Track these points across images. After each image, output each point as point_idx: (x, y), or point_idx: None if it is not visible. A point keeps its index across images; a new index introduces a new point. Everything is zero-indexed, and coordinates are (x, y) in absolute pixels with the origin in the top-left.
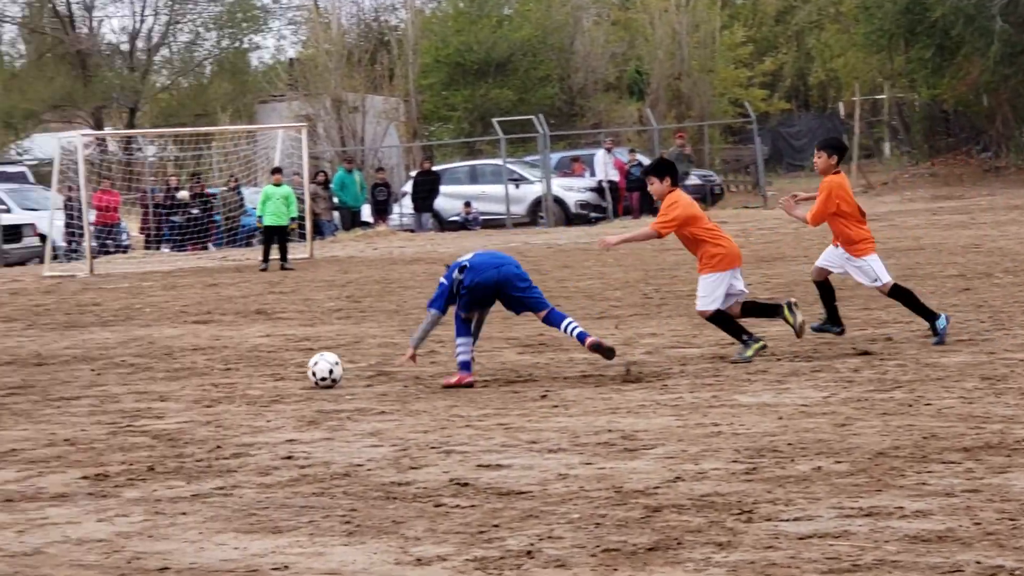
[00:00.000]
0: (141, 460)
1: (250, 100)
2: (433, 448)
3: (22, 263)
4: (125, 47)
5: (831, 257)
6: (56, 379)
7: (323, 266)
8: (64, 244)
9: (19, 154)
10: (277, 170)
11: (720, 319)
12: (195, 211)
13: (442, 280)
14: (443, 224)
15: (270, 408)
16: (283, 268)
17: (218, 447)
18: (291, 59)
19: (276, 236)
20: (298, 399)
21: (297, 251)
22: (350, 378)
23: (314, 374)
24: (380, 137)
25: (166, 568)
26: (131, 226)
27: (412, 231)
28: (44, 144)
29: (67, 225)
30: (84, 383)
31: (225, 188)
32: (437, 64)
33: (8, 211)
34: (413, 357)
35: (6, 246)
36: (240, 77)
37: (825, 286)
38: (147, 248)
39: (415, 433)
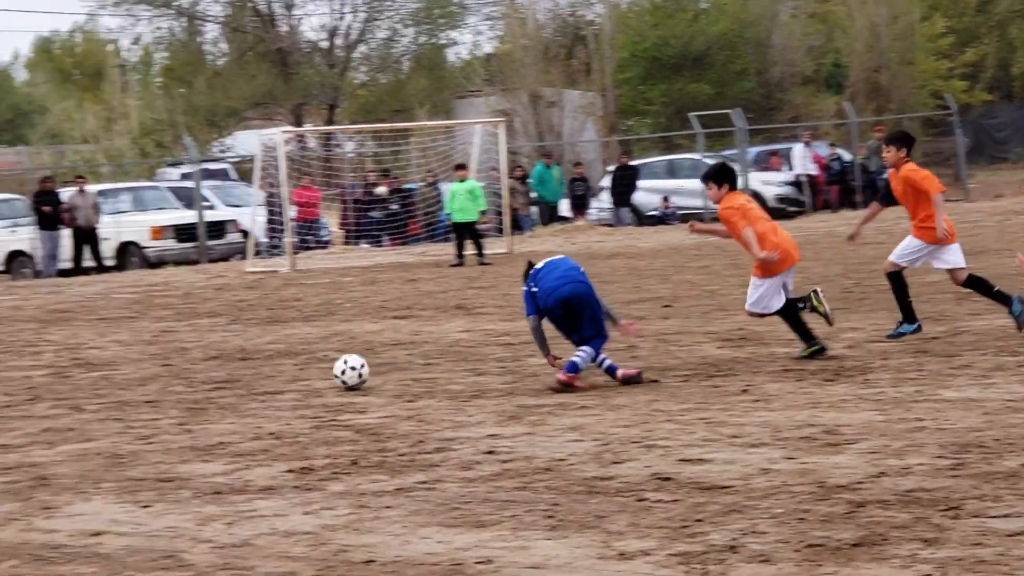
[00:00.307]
0: (345, 454)
1: (447, 96)
2: (635, 443)
3: (225, 259)
4: (324, 44)
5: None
6: (260, 374)
7: (521, 261)
8: (266, 240)
9: (222, 151)
10: (461, 166)
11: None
12: (394, 206)
13: (523, 288)
14: (641, 219)
15: (471, 403)
16: (480, 263)
17: (420, 441)
18: (488, 54)
19: (467, 232)
20: (499, 394)
21: (495, 246)
22: (549, 372)
23: (344, 383)
24: (577, 132)
25: (371, 561)
26: (331, 222)
27: (610, 226)
28: (246, 141)
29: (269, 221)
30: (288, 378)
31: (423, 184)
32: (634, 58)
33: (212, 208)
34: (552, 361)
35: (210, 242)
36: (437, 73)
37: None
38: (346, 243)
39: (616, 428)
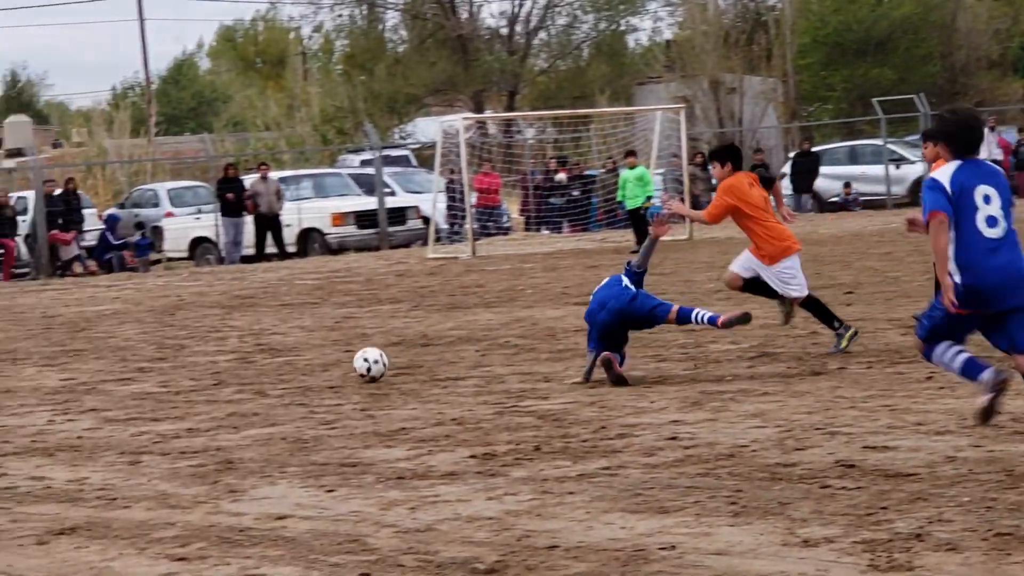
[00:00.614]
0: (527, 440)
1: (627, 82)
2: (818, 429)
3: (406, 245)
4: (504, 31)
5: None
6: (442, 359)
7: (702, 247)
8: (447, 226)
9: (402, 138)
10: (631, 153)
11: (813, 305)
12: (574, 193)
13: None
14: (823, 205)
15: (653, 389)
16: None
17: (602, 427)
18: (668, 40)
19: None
20: (681, 380)
21: (677, 232)
22: (732, 359)
23: (367, 371)
24: (758, 118)
25: (554, 547)
26: (511, 208)
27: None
28: (426, 128)
29: (449, 207)
30: (469, 364)
31: (603, 170)
32: (815, 44)
33: (393, 194)
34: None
35: (391, 228)
36: (617, 59)
37: None
38: (527, 230)
39: (799, 414)
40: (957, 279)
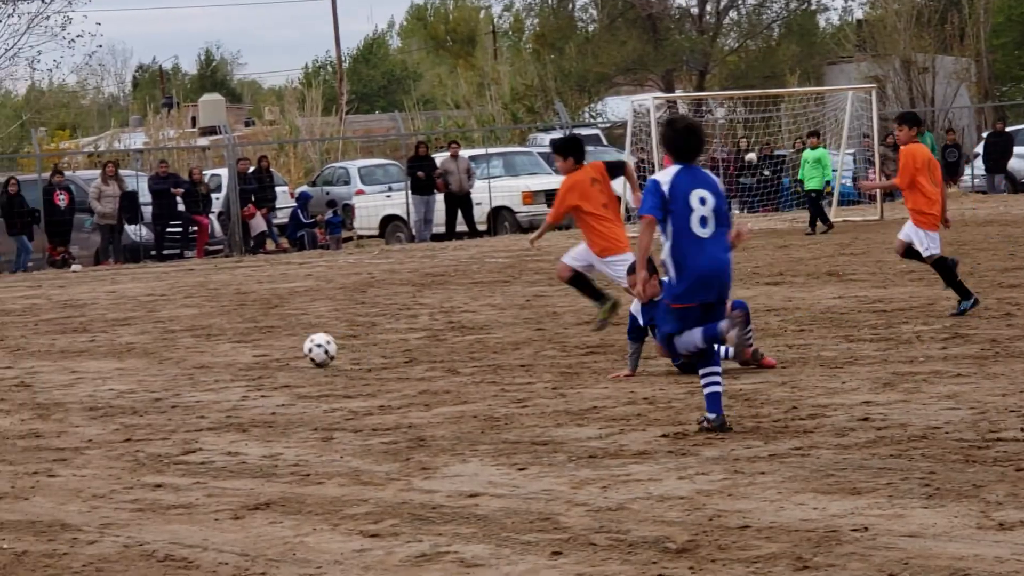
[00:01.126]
0: None
1: (818, 62)
2: (1012, 411)
3: None
4: (694, 10)
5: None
6: None
7: (893, 227)
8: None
9: (592, 117)
10: (813, 133)
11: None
12: (765, 172)
13: None
14: (1016, 186)
15: (844, 369)
16: (808, 233)
17: (794, 408)
18: (859, 20)
19: (819, 199)
20: (872, 361)
21: (867, 212)
22: (924, 340)
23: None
24: (950, 98)
25: (746, 527)
26: None
27: (984, 192)
28: (616, 107)
29: (639, 186)
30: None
31: (793, 151)
32: (1009, 23)
33: None
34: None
35: None
36: (808, 39)
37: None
38: None
39: (993, 396)
40: (673, 274)
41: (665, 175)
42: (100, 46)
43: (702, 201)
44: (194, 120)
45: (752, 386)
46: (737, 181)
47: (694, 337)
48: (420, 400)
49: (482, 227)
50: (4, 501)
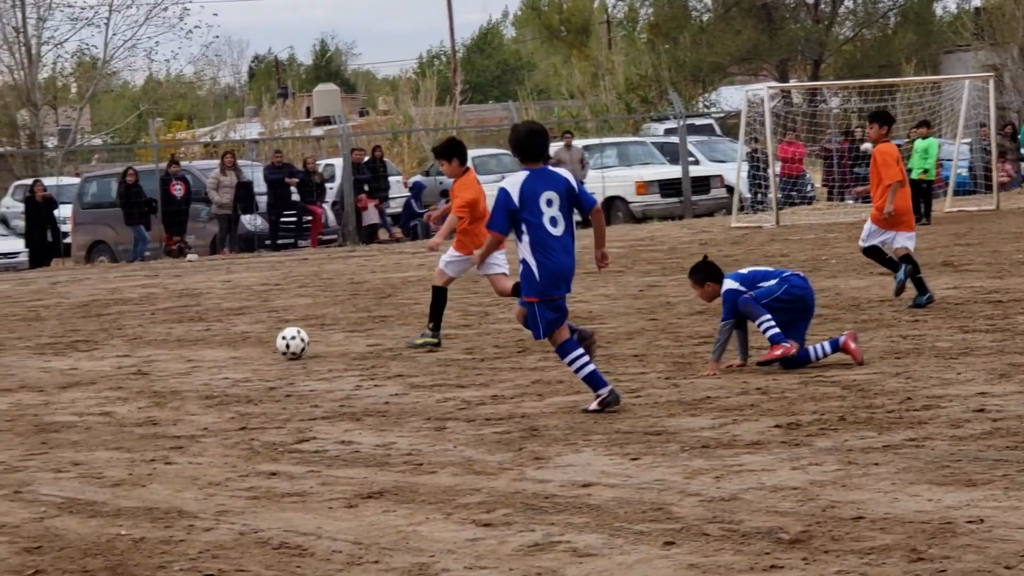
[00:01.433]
0: (832, 410)
1: (935, 50)
2: None
3: (709, 214)
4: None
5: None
6: (749, 328)
7: (1009, 217)
8: (750, 195)
9: (706, 107)
10: (923, 123)
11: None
12: None
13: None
14: None
15: (959, 360)
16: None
17: (908, 398)
18: (977, 8)
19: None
20: (988, 352)
21: (983, 202)
22: None
23: (288, 347)
24: None
25: (860, 518)
26: (814, 177)
27: None
28: (730, 97)
29: (753, 176)
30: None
31: (908, 140)
32: None
33: (696, 163)
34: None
35: (694, 197)
36: (925, 27)
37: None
38: (830, 200)
39: None
40: (535, 272)
41: (514, 184)
42: (217, 37)
43: (549, 203)
44: (309, 110)
45: (866, 377)
46: (852, 171)
47: (576, 362)
48: (533, 390)
49: None
50: (122, 488)
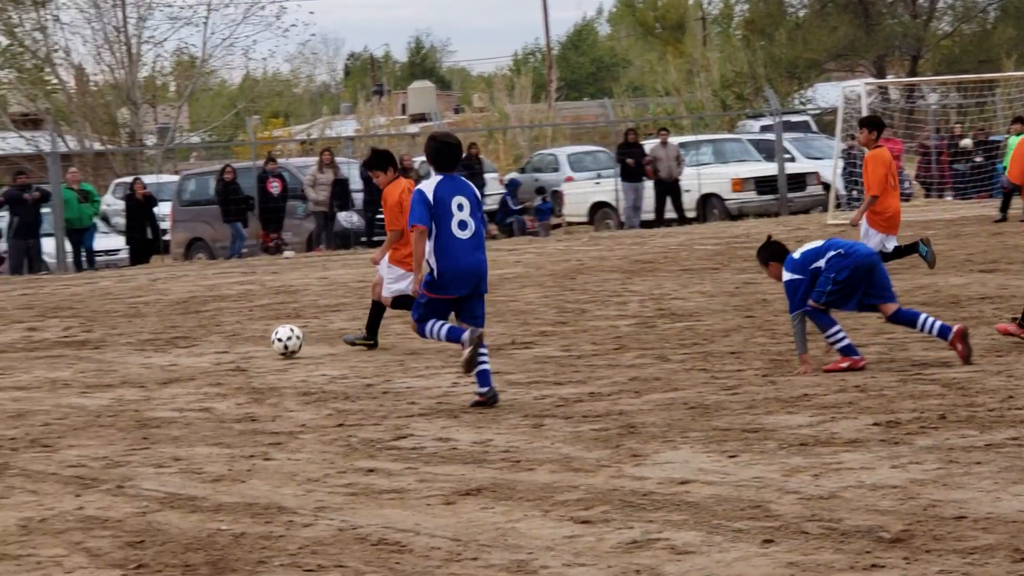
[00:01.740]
0: (932, 408)
1: None
2: None
3: (805, 211)
4: None
5: None
6: (843, 326)
7: None
8: (846, 192)
9: (802, 103)
10: (1018, 119)
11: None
12: (978, 159)
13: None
14: None
15: None
16: (997, 220)
17: (1010, 397)
18: None
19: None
20: None
21: None
22: None
23: (282, 342)
24: None
25: (962, 517)
26: (910, 174)
27: None
28: (827, 93)
29: (849, 173)
30: (871, 330)
31: (1007, 136)
32: None
33: (792, 160)
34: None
35: (790, 194)
36: None
37: None
38: (927, 196)
39: None
40: (435, 270)
41: (428, 185)
42: (313, 35)
43: (460, 207)
44: (404, 107)
45: (967, 375)
46: (951, 167)
47: (439, 331)
48: (630, 387)
49: (691, 214)
50: (222, 483)
